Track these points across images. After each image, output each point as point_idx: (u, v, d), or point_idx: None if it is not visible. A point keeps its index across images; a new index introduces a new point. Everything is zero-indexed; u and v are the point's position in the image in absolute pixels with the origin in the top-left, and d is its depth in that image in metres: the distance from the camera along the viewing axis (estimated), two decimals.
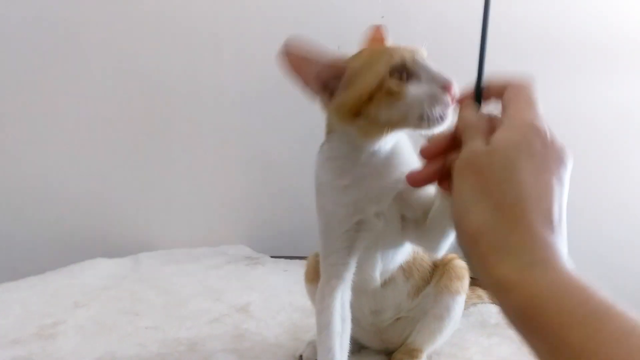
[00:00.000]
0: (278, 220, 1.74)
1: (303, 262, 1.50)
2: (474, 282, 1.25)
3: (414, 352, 0.90)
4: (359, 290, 0.80)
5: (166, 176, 1.72)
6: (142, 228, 1.73)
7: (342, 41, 1.62)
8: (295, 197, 1.55)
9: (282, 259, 1.58)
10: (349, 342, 0.79)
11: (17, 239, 1.63)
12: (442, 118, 0.60)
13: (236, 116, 1.69)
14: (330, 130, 0.73)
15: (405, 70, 0.61)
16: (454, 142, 0.51)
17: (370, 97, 0.62)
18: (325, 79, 0.65)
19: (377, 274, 0.81)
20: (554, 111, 1.70)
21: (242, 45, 1.66)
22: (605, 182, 1.74)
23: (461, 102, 0.56)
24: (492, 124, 0.49)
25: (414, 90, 0.60)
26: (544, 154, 0.44)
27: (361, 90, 0.62)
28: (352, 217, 0.73)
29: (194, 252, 1.65)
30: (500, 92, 0.51)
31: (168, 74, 1.66)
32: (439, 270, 0.90)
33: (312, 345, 0.92)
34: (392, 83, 0.60)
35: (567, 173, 0.45)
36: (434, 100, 0.60)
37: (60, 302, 1.25)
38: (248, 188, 1.74)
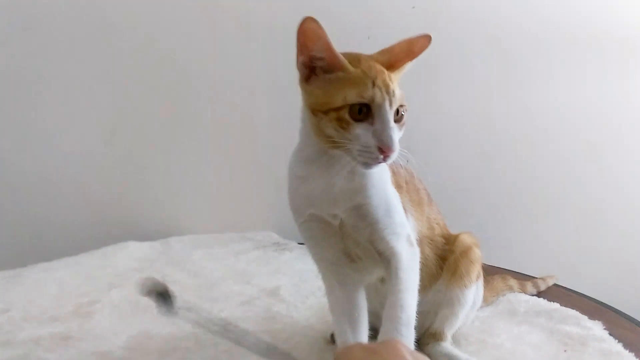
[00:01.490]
0: None
1: None
2: (505, 271, 1.26)
3: (437, 335, 0.91)
4: (367, 285, 0.84)
5: (196, 163, 1.74)
6: (171, 213, 1.76)
7: (372, 31, 1.65)
8: None
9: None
10: (367, 327, 0.81)
11: (52, 221, 1.66)
12: (367, 166, 0.66)
13: (266, 102, 1.70)
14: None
15: (367, 108, 0.64)
16: None
17: (327, 111, 0.66)
18: (319, 61, 0.68)
19: (373, 270, 0.82)
20: (565, 107, 1.69)
21: (271, 31, 1.67)
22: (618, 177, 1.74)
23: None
24: None
25: (360, 132, 0.64)
26: None
27: (326, 99, 0.66)
28: (305, 209, 0.76)
29: (223, 237, 1.67)
30: None
31: (199, 59, 1.67)
32: (449, 266, 0.89)
33: None
34: (347, 116, 0.64)
35: None
36: (367, 152, 0.64)
37: (95, 283, 1.28)
38: (276, 175, 1.74)
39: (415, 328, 0.74)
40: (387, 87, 0.66)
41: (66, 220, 1.68)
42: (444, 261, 0.89)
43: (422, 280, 0.85)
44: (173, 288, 1.24)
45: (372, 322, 0.82)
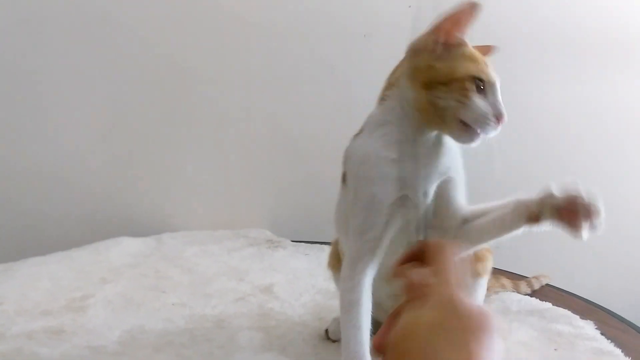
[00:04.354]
0: (299, 205, 1.75)
1: (324, 247, 1.53)
2: (498, 271, 1.27)
3: None
4: (378, 275, 0.80)
5: (190, 160, 1.74)
6: (165, 209, 1.75)
7: (368, 29, 1.65)
8: (318, 183, 1.56)
9: (303, 243, 1.59)
10: (369, 321, 0.80)
11: (46, 215, 1.66)
12: (477, 135, 0.71)
13: (261, 99, 1.70)
14: (390, 86, 0.78)
15: (482, 84, 0.70)
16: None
17: (448, 82, 0.70)
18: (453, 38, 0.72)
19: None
20: (562, 107, 1.69)
21: (268, 27, 1.67)
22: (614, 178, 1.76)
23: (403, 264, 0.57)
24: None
25: (478, 101, 0.69)
26: (461, 328, 0.44)
27: (448, 70, 0.70)
28: (397, 191, 0.73)
29: (216, 234, 1.67)
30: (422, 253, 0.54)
31: (193, 55, 1.67)
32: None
33: (338, 321, 0.93)
34: (469, 84, 0.69)
35: (490, 336, 0.44)
36: (484, 119, 0.69)
37: (88, 277, 1.28)
38: (270, 172, 1.75)
39: None
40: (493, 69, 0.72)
41: (60, 214, 1.67)
42: None
43: None
44: (167, 285, 1.25)
45: (375, 315, 0.82)
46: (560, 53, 1.69)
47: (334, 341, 0.96)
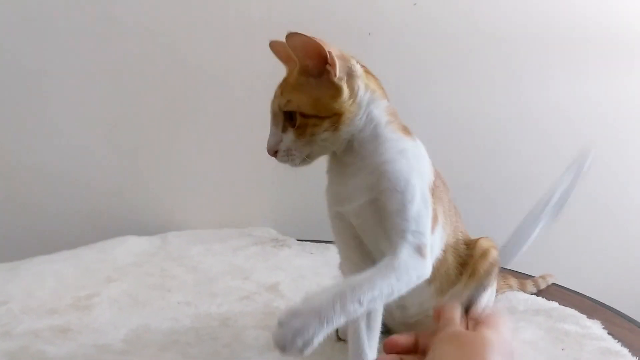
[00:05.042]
0: (304, 204, 1.74)
1: (329, 246, 1.53)
2: (504, 270, 1.26)
3: None
4: None
5: (195, 158, 1.74)
6: (170, 208, 1.75)
7: (373, 27, 1.65)
8: (323, 182, 1.56)
9: (308, 242, 1.59)
10: (380, 323, 0.81)
11: (51, 214, 1.66)
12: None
13: (267, 97, 1.70)
14: None
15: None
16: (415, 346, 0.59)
17: None
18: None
19: None
20: (564, 105, 1.68)
21: (272, 27, 1.66)
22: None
23: (447, 309, 0.61)
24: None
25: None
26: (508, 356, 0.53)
27: None
28: (332, 206, 0.79)
29: (221, 233, 1.66)
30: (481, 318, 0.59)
31: (198, 52, 1.67)
32: (468, 269, 0.88)
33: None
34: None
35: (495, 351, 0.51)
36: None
37: (94, 276, 1.28)
38: (275, 171, 1.75)
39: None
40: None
41: (65, 213, 1.68)
42: (464, 267, 0.88)
43: (441, 286, 0.85)
44: (172, 284, 1.25)
45: (385, 320, 0.83)
46: (563, 51, 1.69)
47: (343, 340, 0.95)
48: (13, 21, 1.58)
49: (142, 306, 1.12)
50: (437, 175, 0.82)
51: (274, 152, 0.75)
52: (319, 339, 0.58)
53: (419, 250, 0.71)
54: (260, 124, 1.80)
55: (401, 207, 0.71)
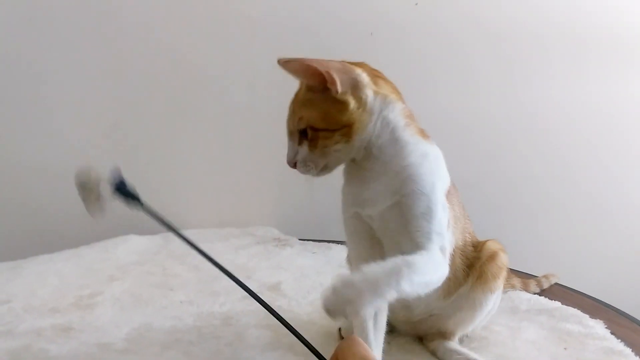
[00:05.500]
0: (306, 203, 1.75)
1: (331, 245, 1.53)
2: (509, 270, 1.26)
3: (445, 334, 0.91)
4: None
5: (197, 157, 1.74)
6: (172, 207, 1.73)
7: (375, 27, 1.65)
8: (325, 182, 1.56)
9: (310, 242, 1.59)
10: (385, 323, 0.82)
11: (53, 213, 1.66)
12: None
13: (268, 97, 1.70)
14: None
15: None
16: None
17: None
18: None
19: None
20: (566, 105, 1.68)
21: (274, 26, 1.66)
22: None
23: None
24: None
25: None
26: None
27: None
28: (349, 207, 0.79)
29: (223, 232, 1.66)
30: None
31: (200, 52, 1.67)
32: (475, 271, 0.88)
33: (350, 321, 0.93)
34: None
35: None
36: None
37: (96, 275, 1.28)
38: (278, 170, 1.74)
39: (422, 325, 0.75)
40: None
41: (67, 212, 1.66)
42: (471, 268, 0.88)
43: (448, 288, 0.85)
44: (174, 282, 1.25)
45: (391, 319, 0.83)
46: (564, 51, 1.69)
47: None
48: (14, 20, 1.58)
49: (144, 305, 1.12)
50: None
51: (293, 164, 0.77)
52: (366, 309, 0.64)
53: (443, 251, 0.74)
54: (262, 123, 1.81)
55: (427, 210, 0.73)
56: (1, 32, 1.59)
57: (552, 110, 1.72)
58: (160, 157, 1.73)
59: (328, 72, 0.70)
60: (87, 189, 0.79)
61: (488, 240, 0.91)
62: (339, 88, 0.71)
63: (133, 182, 1.69)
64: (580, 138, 1.74)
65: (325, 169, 0.77)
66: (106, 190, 0.77)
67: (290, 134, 0.78)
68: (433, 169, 0.76)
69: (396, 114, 0.76)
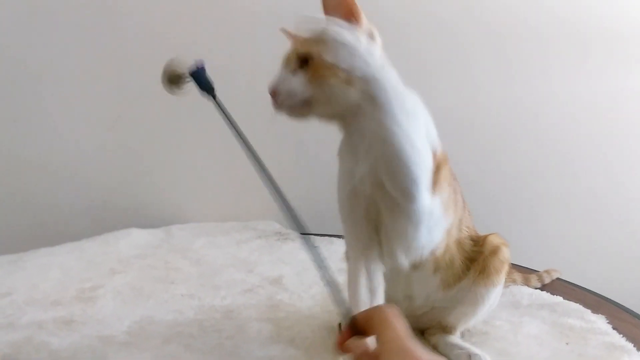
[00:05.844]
0: (308, 197, 1.74)
1: (333, 239, 1.53)
2: (510, 265, 1.25)
3: (447, 328, 0.91)
4: (392, 273, 0.83)
5: (199, 151, 1.74)
6: (174, 201, 1.76)
7: (374, 25, 1.64)
8: (326, 176, 1.55)
9: (312, 236, 1.59)
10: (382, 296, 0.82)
11: (55, 206, 1.66)
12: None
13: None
14: None
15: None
16: None
17: None
18: None
19: (401, 254, 0.81)
20: (566, 101, 1.66)
21: (274, 22, 1.65)
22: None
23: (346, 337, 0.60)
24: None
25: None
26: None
27: None
28: (345, 185, 0.78)
29: (224, 226, 1.67)
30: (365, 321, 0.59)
31: (202, 47, 1.66)
32: (477, 265, 0.88)
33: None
34: None
35: None
36: None
37: (98, 268, 1.28)
38: (279, 165, 1.74)
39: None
40: None
41: (69, 206, 1.68)
42: (472, 262, 0.87)
43: (446, 279, 0.85)
44: (176, 276, 1.25)
45: None
46: (565, 48, 1.68)
47: None
48: (15, 19, 1.58)
49: (145, 298, 1.12)
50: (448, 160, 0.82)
51: (273, 92, 0.76)
52: None
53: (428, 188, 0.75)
54: (264, 117, 1.80)
55: (412, 152, 0.73)
56: (3, 26, 1.59)
57: (553, 105, 1.71)
58: (163, 151, 1.73)
59: (356, 5, 0.76)
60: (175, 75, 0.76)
61: (490, 234, 0.91)
62: (364, 23, 0.77)
63: (136, 176, 1.70)
64: (582, 134, 1.73)
65: (305, 107, 0.76)
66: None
67: (287, 61, 0.77)
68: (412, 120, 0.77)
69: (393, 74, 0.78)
